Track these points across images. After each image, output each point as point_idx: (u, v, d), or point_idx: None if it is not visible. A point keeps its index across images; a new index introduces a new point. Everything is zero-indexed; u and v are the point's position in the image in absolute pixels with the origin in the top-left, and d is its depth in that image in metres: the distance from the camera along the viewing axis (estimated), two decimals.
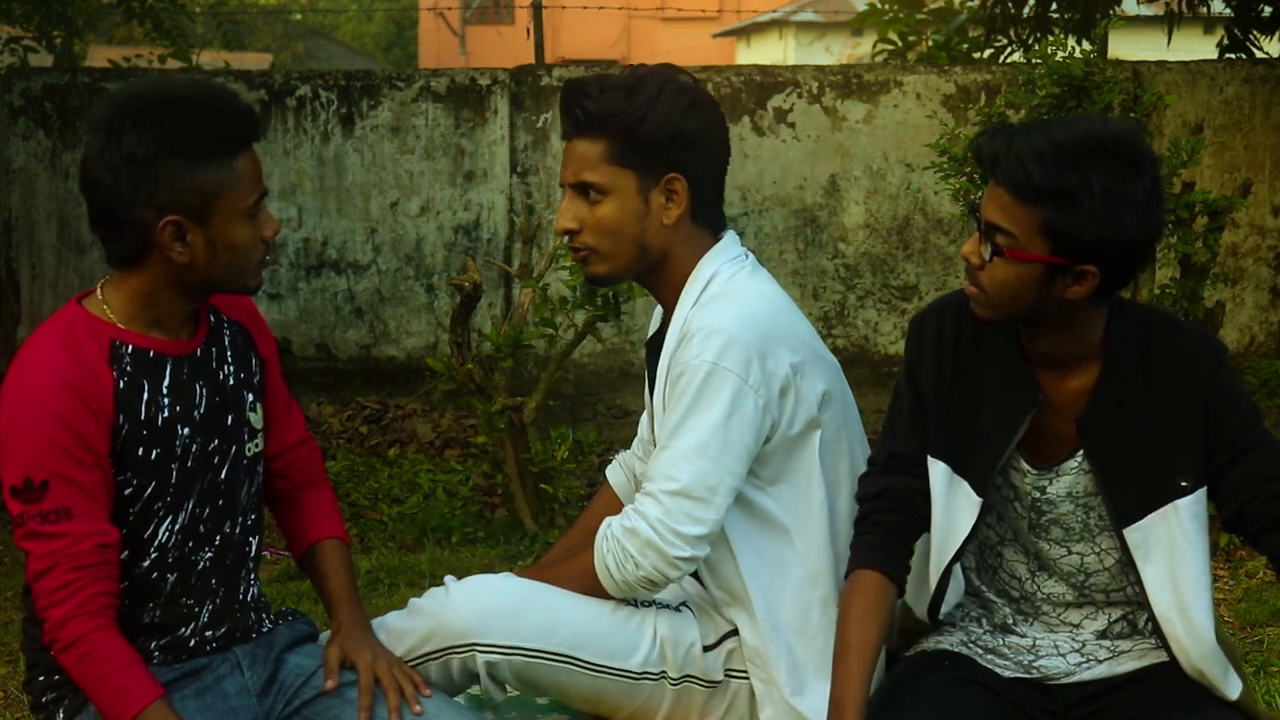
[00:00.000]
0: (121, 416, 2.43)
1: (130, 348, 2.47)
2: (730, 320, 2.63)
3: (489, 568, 5.34)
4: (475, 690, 2.75)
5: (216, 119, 2.43)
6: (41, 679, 2.52)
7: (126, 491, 2.46)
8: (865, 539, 2.65)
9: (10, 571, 5.49)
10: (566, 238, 2.75)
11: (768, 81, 7.54)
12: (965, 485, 2.59)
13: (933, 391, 2.63)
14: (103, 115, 2.42)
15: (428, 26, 32.78)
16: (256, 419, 2.64)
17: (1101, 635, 2.67)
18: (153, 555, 2.49)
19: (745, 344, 2.62)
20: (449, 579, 2.76)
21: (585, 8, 13.11)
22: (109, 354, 2.44)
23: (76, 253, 7.61)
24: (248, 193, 2.45)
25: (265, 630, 2.65)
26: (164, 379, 2.49)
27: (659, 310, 2.90)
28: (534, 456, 5.62)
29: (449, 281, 5.98)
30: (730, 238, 2.79)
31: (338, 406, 7.53)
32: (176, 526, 2.50)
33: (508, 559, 5.47)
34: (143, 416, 2.46)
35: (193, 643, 2.54)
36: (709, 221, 2.77)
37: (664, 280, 2.77)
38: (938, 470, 2.62)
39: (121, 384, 2.44)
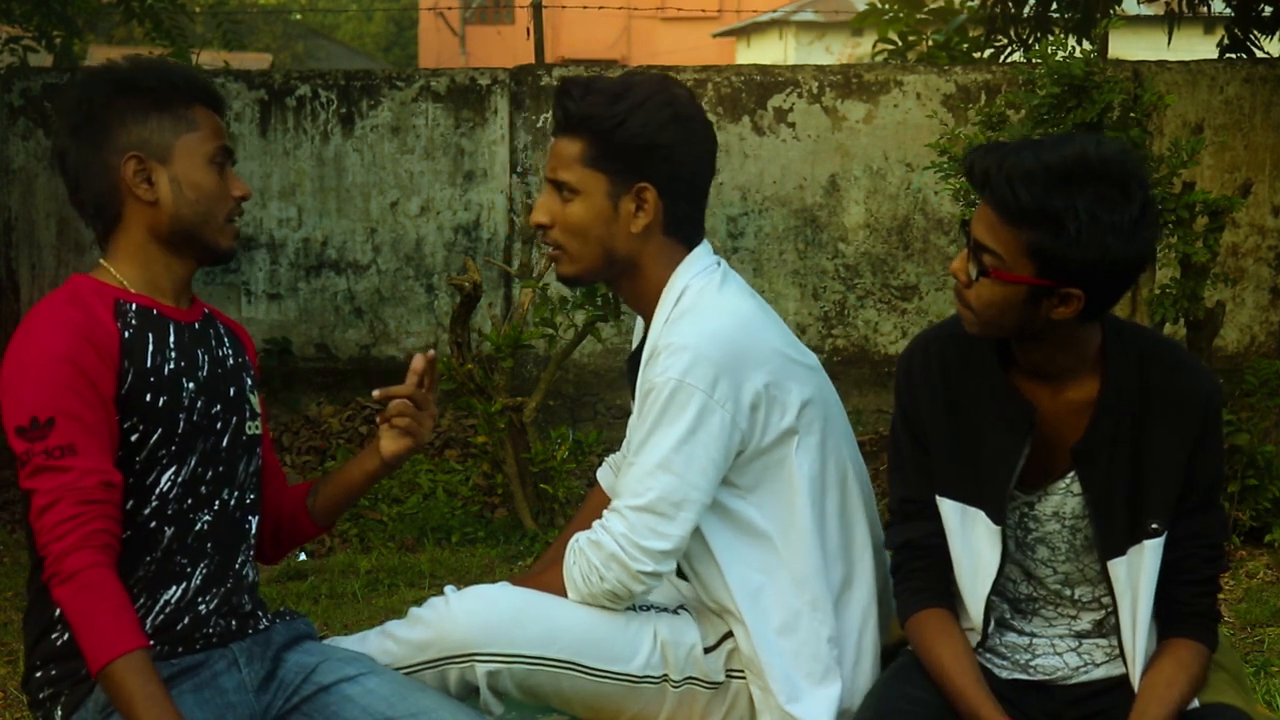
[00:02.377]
0: (127, 362, 2.48)
1: (134, 305, 2.55)
2: (696, 336, 2.63)
3: (489, 568, 5.34)
4: (470, 702, 2.75)
5: (170, 72, 2.59)
6: (39, 675, 2.53)
7: (133, 438, 2.49)
8: (907, 586, 2.69)
9: (10, 571, 5.49)
10: (540, 232, 2.78)
11: (768, 81, 7.54)
12: (981, 515, 2.60)
13: (930, 429, 2.64)
14: (64, 94, 2.63)
15: (428, 26, 32.78)
16: (255, 402, 2.70)
17: (1099, 626, 2.67)
18: (154, 504, 2.52)
19: (712, 360, 2.62)
20: (449, 589, 2.76)
21: (585, 8, 13.13)
22: (114, 309, 2.52)
23: (76, 253, 7.61)
24: (207, 139, 2.58)
25: (263, 627, 2.66)
26: (169, 335, 2.56)
27: (640, 324, 2.91)
28: (534, 456, 5.63)
29: (449, 281, 5.98)
30: (702, 249, 2.79)
31: (338, 406, 7.52)
32: (179, 479, 2.53)
33: (508, 559, 5.47)
34: (149, 364, 2.51)
35: (186, 619, 2.54)
36: (683, 235, 2.76)
37: (636, 291, 2.78)
38: (948, 508, 2.63)
39: (127, 334, 2.50)
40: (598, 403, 7.65)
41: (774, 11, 28.34)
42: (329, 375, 7.62)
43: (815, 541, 2.73)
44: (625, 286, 2.80)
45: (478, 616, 2.68)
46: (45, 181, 7.59)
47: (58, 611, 2.48)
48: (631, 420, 2.77)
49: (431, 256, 7.62)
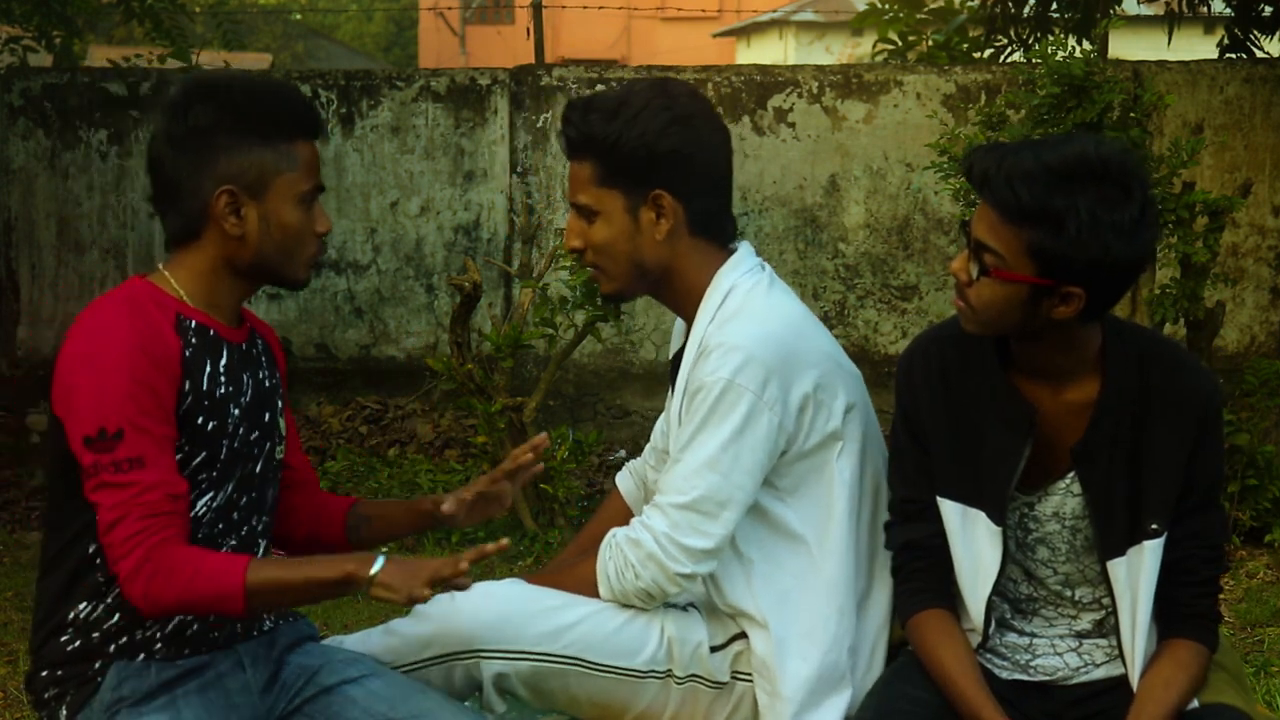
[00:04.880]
0: (187, 383, 2.47)
1: (194, 323, 2.52)
2: (748, 338, 2.64)
3: (489, 567, 5.34)
4: (474, 700, 2.75)
5: (280, 103, 2.54)
6: (44, 674, 2.53)
7: (178, 457, 2.48)
8: (908, 587, 2.69)
9: (10, 571, 5.49)
10: (576, 256, 2.80)
11: (768, 81, 7.54)
12: (982, 516, 2.60)
13: (930, 430, 2.64)
14: (172, 97, 2.54)
15: (428, 26, 32.77)
16: (283, 425, 2.70)
17: (1099, 627, 2.67)
18: None
19: (763, 362, 2.63)
20: None
21: (585, 7, 13.12)
22: (175, 324, 2.50)
23: (76, 253, 7.61)
24: (304, 179, 2.54)
25: (267, 629, 2.66)
26: (223, 357, 2.55)
27: (679, 327, 2.91)
28: None
29: (449, 281, 5.98)
30: (745, 249, 2.79)
31: (338, 406, 7.52)
32: (215, 504, 2.53)
33: (508, 559, 5.47)
34: (204, 387, 2.50)
35: (195, 626, 2.55)
36: (713, 234, 2.77)
37: (677, 294, 2.78)
38: (949, 509, 2.63)
39: (188, 352, 2.49)
40: (598, 403, 7.65)
41: (774, 11, 28.33)
42: (329, 375, 7.62)
43: (849, 549, 2.73)
44: (665, 292, 2.80)
45: (483, 613, 2.68)
46: (45, 181, 7.59)
47: (70, 614, 2.49)
48: (660, 420, 2.76)
49: (431, 256, 7.62)
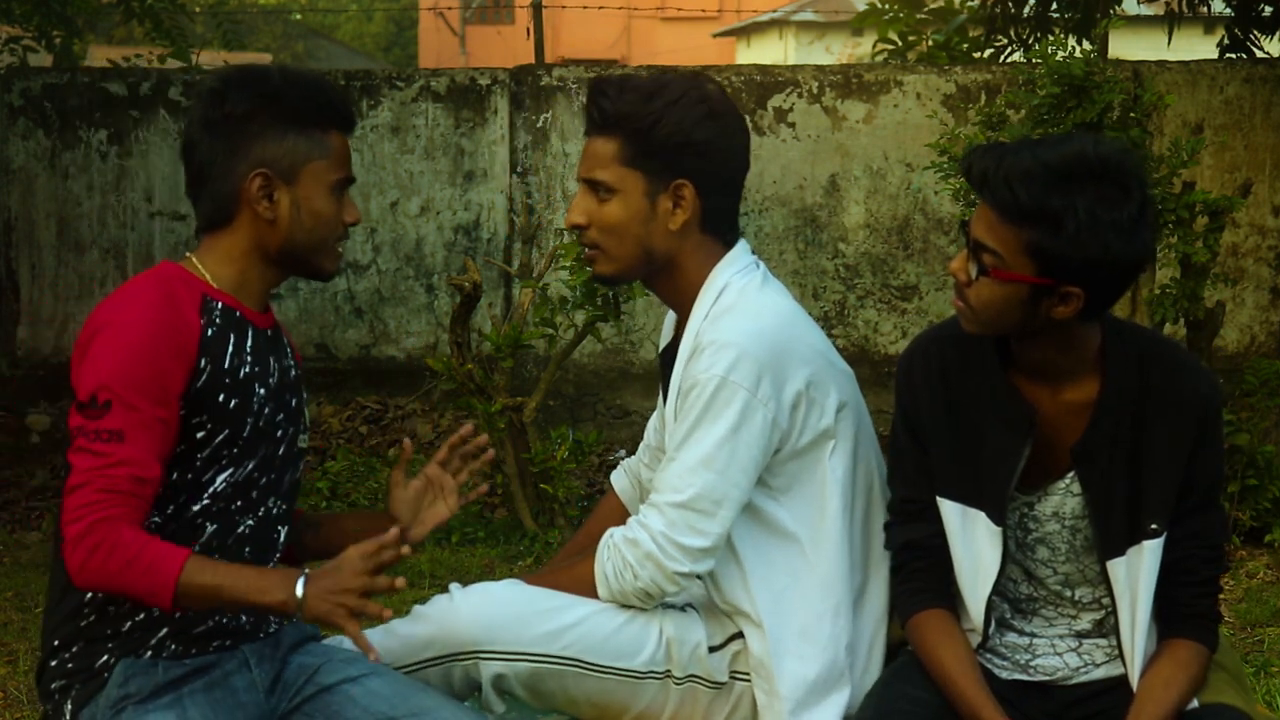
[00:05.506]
0: (204, 360, 2.50)
1: (220, 304, 2.56)
2: (741, 334, 2.64)
3: (489, 568, 5.34)
4: (474, 700, 2.75)
5: (315, 92, 2.61)
6: (54, 664, 2.54)
7: (199, 435, 2.50)
8: (908, 587, 2.69)
9: (10, 571, 5.49)
10: (576, 233, 2.79)
11: (768, 81, 7.54)
12: (982, 516, 2.60)
13: (930, 430, 2.64)
14: (210, 84, 2.60)
15: (428, 26, 32.78)
16: (308, 414, 2.73)
17: (1099, 626, 2.67)
18: (204, 501, 2.53)
19: (756, 358, 2.63)
20: (454, 586, 2.76)
21: (585, 7, 13.12)
22: (200, 305, 2.53)
23: (76, 253, 7.61)
24: (335, 167, 2.63)
25: (272, 630, 2.67)
26: (247, 339, 2.58)
27: (670, 320, 2.91)
28: (534, 456, 5.62)
29: (449, 281, 5.98)
30: (741, 247, 2.79)
31: (338, 406, 7.52)
32: (234, 480, 2.55)
33: (508, 559, 5.47)
34: (226, 365, 2.53)
35: (211, 620, 2.55)
36: (720, 232, 2.77)
37: (673, 288, 2.78)
38: (949, 509, 2.63)
39: (209, 332, 2.52)
40: (598, 403, 7.65)
41: (774, 11, 28.33)
42: (329, 375, 7.62)
43: (843, 546, 2.73)
44: (662, 283, 2.79)
45: (482, 614, 2.68)
46: (45, 181, 7.59)
47: (88, 594, 2.50)
48: (654, 417, 2.76)
49: (431, 256, 7.62)
